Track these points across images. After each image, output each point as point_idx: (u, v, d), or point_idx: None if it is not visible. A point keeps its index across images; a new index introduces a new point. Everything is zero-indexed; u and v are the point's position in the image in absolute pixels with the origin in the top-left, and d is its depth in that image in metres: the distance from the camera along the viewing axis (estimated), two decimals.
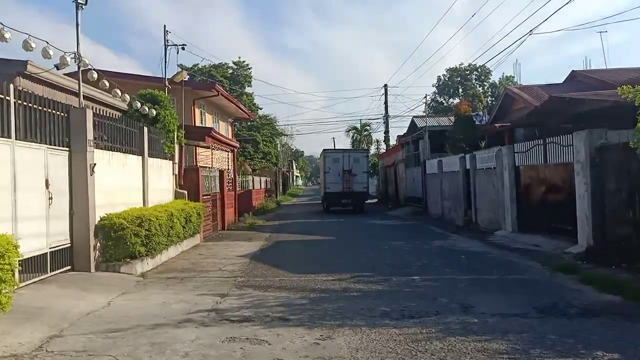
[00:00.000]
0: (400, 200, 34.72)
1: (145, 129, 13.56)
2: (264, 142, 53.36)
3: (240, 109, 31.64)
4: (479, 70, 67.65)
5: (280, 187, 58.19)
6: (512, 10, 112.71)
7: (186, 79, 25.88)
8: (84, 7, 10.61)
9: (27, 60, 11.59)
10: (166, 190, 15.43)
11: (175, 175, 16.53)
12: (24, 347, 5.82)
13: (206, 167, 20.20)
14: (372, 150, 63.81)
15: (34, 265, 8.71)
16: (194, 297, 8.57)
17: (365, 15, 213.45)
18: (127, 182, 12.40)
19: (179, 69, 20.01)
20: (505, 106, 25.64)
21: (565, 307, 7.44)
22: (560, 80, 26.55)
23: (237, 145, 31.31)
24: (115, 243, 10.57)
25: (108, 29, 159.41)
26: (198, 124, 24.68)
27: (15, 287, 7.61)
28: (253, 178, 35.87)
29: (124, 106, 14.88)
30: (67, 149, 9.95)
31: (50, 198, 9.23)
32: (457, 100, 59.64)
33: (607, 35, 43.80)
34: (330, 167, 31.26)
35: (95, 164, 10.34)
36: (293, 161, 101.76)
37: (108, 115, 11.95)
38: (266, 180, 44.50)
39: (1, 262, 6.14)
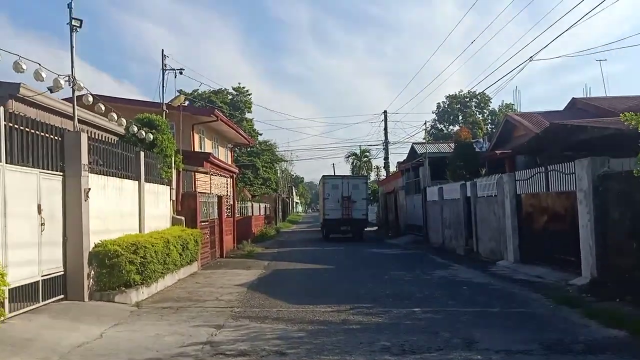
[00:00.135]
0: (401, 227, 34.44)
1: (142, 154, 13.41)
2: (264, 168, 53.27)
3: (240, 134, 31.60)
4: (479, 97, 67.94)
5: (280, 213, 57.95)
6: (511, 38, 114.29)
7: (185, 104, 25.91)
8: (78, 29, 10.55)
9: (19, 83, 11.50)
10: (163, 216, 15.22)
11: (173, 200, 16.33)
12: None
13: (204, 192, 20.02)
14: (372, 176, 63.86)
15: (25, 294, 8.45)
16: (188, 328, 8.30)
17: (364, 43, 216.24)
18: (123, 208, 12.20)
19: (178, 94, 19.94)
20: (506, 133, 25.60)
21: (570, 343, 7.19)
22: (560, 108, 26.60)
23: (237, 170, 31.19)
24: (110, 271, 10.31)
25: (108, 55, 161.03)
26: (197, 149, 24.57)
27: (3, 317, 7.39)
28: (252, 204, 35.66)
29: (121, 130, 14.77)
30: (61, 173, 9.78)
31: (43, 224, 9.02)
32: (457, 127, 59.83)
33: (607, 64, 44.15)
34: (330, 193, 31.11)
35: (89, 189, 10.16)
36: (293, 187, 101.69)
37: (104, 139, 11.81)
38: (265, 207, 44.27)
39: None
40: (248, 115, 55.28)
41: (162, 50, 19.21)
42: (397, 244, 27.31)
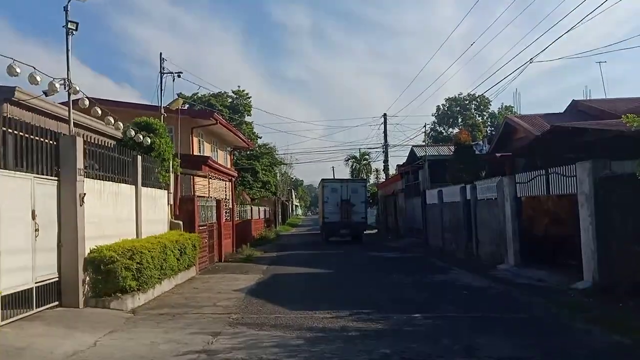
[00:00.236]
0: (400, 230, 34.33)
1: (139, 158, 13.27)
2: (263, 171, 53.12)
3: (239, 137, 31.52)
4: (478, 99, 67.92)
5: (280, 216, 57.81)
6: (510, 40, 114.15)
7: (185, 107, 25.80)
8: (74, 32, 10.45)
9: (14, 87, 11.38)
10: (160, 221, 15.08)
11: (171, 205, 16.20)
12: None
13: (203, 196, 19.89)
14: (372, 179, 63.72)
15: (18, 302, 8.31)
16: (184, 336, 8.16)
17: (364, 45, 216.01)
18: (119, 213, 12.05)
19: (176, 97, 19.84)
20: (506, 135, 25.45)
21: (573, 350, 7.08)
22: (559, 110, 26.46)
23: (236, 174, 31.09)
24: (105, 277, 10.16)
25: (109, 59, 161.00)
26: (196, 152, 24.50)
27: None
28: (252, 208, 35.54)
29: (119, 134, 14.65)
30: (56, 178, 9.64)
31: (37, 230, 8.88)
32: (456, 130, 59.75)
33: (606, 66, 44.07)
34: (329, 197, 31.22)
35: (85, 194, 10.01)
36: (292, 190, 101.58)
37: (100, 143, 11.68)
38: (265, 210, 44.15)
39: None
40: (248, 119, 55.21)
41: (160, 53, 19.14)
42: (397, 247, 27.18)
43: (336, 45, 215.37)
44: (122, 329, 8.74)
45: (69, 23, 10.66)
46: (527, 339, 7.71)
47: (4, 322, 7.81)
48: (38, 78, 9.20)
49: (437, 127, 70.48)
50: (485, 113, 70.33)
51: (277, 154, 62.35)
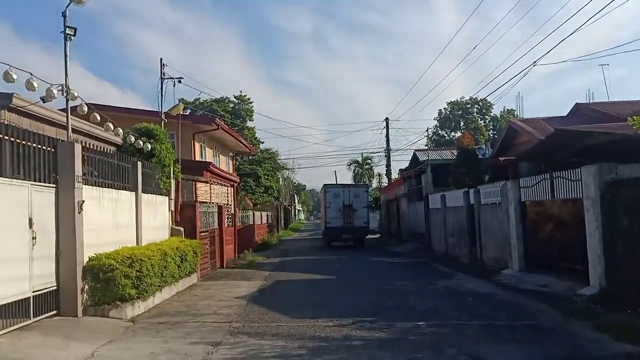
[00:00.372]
0: (403, 235, 34.15)
1: (139, 164, 13.13)
2: (266, 176, 53.07)
3: (241, 143, 31.44)
4: (480, 103, 67.80)
5: (282, 221, 57.70)
6: (512, 44, 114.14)
7: (187, 113, 25.71)
8: (72, 38, 10.33)
9: (12, 93, 11.26)
10: (161, 228, 14.93)
11: (171, 211, 16.05)
12: None
13: (205, 202, 19.75)
14: (374, 184, 63.52)
15: (15, 311, 8.16)
16: (184, 346, 8.00)
17: (365, 50, 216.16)
18: (119, 220, 11.90)
19: (177, 103, 19.71)
20: (509, 139, 25.31)
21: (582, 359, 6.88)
22: (561, 114, 26.32)
23: (238, 179, 30.99)
24: (104, 285, 10.00)
25: (111, 65, 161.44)
26: (198, 158, 24.39)
27: None
28: (254, 213, 35.38)
29: (119, 140, 14.53)
30: (54, 185, 9.50)
31: (34, 238, 8.73)
32: (458, 134, 59.56)
33: (608, 68, 43.81)
34: (331, 202, 31.38)
35: (83, 201, 9.87)
36: (295, 195, 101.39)
37: (100, 149, 11.54)
38: (267, 215, 43.99)
39: None
40: (250, 124, 55.21)
41: (161, 59, 19.05)
42: (400, 252, 26.99)
43: (337, 50, 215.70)
44: (120, 338, 8.57)
45: (67, 28, 10.52)
46: (535, 347, 7.53)
47: (0, 333, 7.67)
48: (35, 84, 9.08)
49: (439, 131, 70.29)
50: (487, 117, 70.15)
51: (279, 159, 62.33)
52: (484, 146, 34.67)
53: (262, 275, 17.41)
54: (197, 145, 24.59)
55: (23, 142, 8.64)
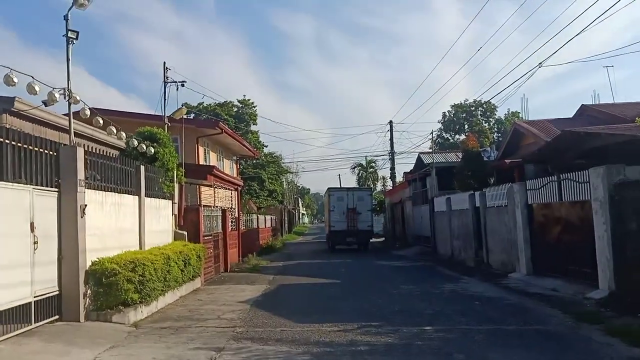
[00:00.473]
0: (408, 238, 33.98)
1: (142, 168, 13.03)
2: (270, 180, 52.98)
3: (245, 146, 31.37)
4: (484, 106, 67.49)
5: (286, 225, 57.53)
6: (516, 46, 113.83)
7: (191, 117, 25.62)
8: (74, 41, 10.25)
9: (14, 97, 11.18)
10: (165, 232, 14.82)
11: (175, 215, 15.94)
12: None
13: (208, 206, 19.66)
14: (378, 187, 63.24)
15: (16, 316, 8.06)
16: (187, 351, 7.87)
17: (368, 54, 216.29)
18: (122, 224, 11.80)
19: (181, 107, 19.61)
20: (514, 141, 25.14)
21: None
22: (565, 116, 26.12)
23: (241, 183, 30.90)
24: (107, 290, 9.90)
25: (117, 71, 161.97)
26: (202, 162, 24.32)
27: None
28: (258, 216, 35.28)
29: (122, 144, 14.45)
30: (56, 189, 9.41)
31: (36, 242, 8.63)
32: (462, 137, 59.27)
33: (612, 70, 43.54)
34: (335, 205, 31.39)
35: (86, 205, 9.78)
36: (299, 199, 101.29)
37: (102, 153, 11.44)
38: (271, 219, 43.87)
39: None
40: (253, 128, 55.13)
41: (164, 62, 18.95)
42: (405, 256, 26.81)
43: (340, 54, 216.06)
44: (122, 344, 8.45)
45: (69, 32, 10.46)
46: (545, 353, 7.37)
47: (1, 339, 7.56)
48: (37, 88, 8.98)
49: (444, 134, 70.01)
50: (491, 119, 69.82)
51: (283, 163, 62.23)
52: (488, 149, 34.46)
53: (266, 279, 17.28)
54: (201, 149, 24.51)
55: (25, 145, 8.55)
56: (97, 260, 10.08)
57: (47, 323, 8.90)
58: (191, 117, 37.49)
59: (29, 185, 8.58)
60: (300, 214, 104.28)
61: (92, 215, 10.10)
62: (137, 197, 12.74)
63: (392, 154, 46.54)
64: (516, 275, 15.53)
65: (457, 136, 68.20)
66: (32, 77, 8.84)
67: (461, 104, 69.95)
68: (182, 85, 18.83)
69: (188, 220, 16.85)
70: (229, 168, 30.77)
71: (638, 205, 10.51)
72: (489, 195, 18.88)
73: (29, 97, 9.68)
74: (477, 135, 53.00)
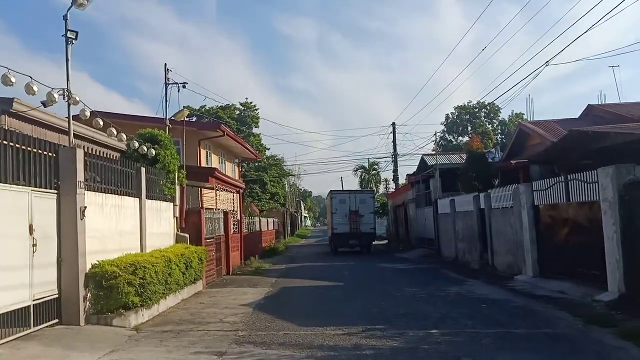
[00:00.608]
0: (412, 241, 33.78)
1: (143, 170, 12.87)
2: (272, 183, 52.79)
3: (247, 149, 31.24)
4: (488, 107, 67.30)
5: (288, 228, 57.37)
6: (520, 47, 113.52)
7: (193, 120, 25.49)
8: (74, 41, 10.10)
9: (13, 98, 11.04)
10: (166, 234, 14.66)
11: (176, 217, 15.78)
12: None
13: (210, 208, 19.49)
14: (381, 189, 63.06)
15: (14, 320, 7.91)
16: (188, 356, 7.70)
17: (370, 57, 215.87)
18: (122, 226, 11.63)
19: (182, 108, 19.47)
20: (520, 142, 24.93)
21: None
22: (570, 117, 25.87)
23: (243, 186, 30.73)
24: (107, 293, 9.74)
25: (119, 75, 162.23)
26: (204, 164, 24.18)
27: None
28: (260, 219, 35.13)
29: (123, 146, 14.30)
30: (56, 191, 9.26)
31: (35, 245, 8.48)
32: (466, 139, 59.07)
33: (619, 70, 43.25)
34: (337, 208, 31.30)
35: (86, 207, 9.62)
36: (301, 202, 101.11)
37: (103, 155, 11.29)
38: (274, 222, 43.71)
39: None
40: (255, 130, 54.97)
41: (165, 64, 18.81)
42: (408, 258, 26.60)
43: (342, 57, 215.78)
44: (123, 348, 8.28)
45: (69, 32, 10.31)
46: (555, 357, 7.17)
47: None
48: (35, 88, 8.83)
49: (447, 136, 69.79)
50: (495, 121, 69.60)
51: (285, 165, 62.08)
52: (493, 150, 34.24)
53: (269, 282, 17.09)
54: (202, 152, 24.38)
55: (24, 147, 8.41)
56: (97, 262, 9.92)
57: (46, 327, 8.74)
58: (193, 120, 37.40)
59: (27, 187, 8.44)
60: (303, 217, 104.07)
61: (92, 217, 9.95)
62: (137, 199, 12.58)
63: (395, 156, 46.36)
64: (522, 278, 15.31)
65: (460, 138, 68.00)
66: (31, 77, 8.69)
67: (464, 105, 69.78)
68: (184, 87, 18.69)
69: (190, 223, 16.68)
70: (230, 171, 30.64)
71: None
72: (494, 196, 18.69)
73: (29, 98, 9.56)
74: (480, 136, 52.82)
